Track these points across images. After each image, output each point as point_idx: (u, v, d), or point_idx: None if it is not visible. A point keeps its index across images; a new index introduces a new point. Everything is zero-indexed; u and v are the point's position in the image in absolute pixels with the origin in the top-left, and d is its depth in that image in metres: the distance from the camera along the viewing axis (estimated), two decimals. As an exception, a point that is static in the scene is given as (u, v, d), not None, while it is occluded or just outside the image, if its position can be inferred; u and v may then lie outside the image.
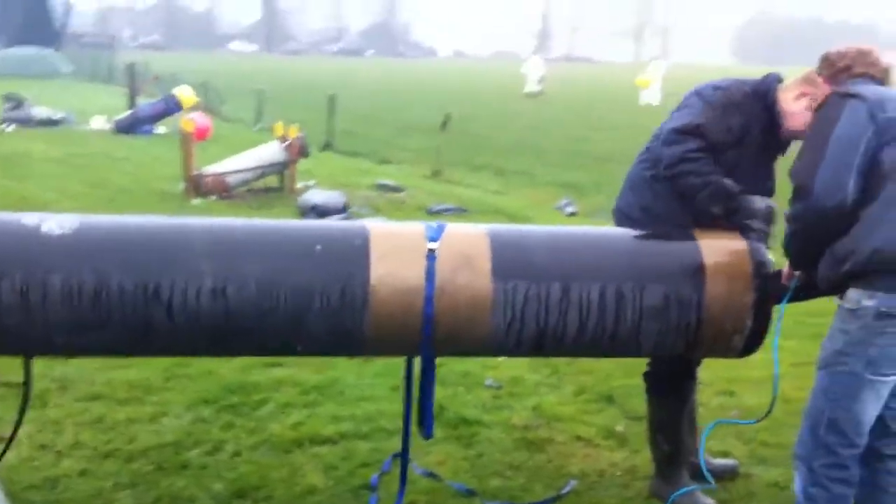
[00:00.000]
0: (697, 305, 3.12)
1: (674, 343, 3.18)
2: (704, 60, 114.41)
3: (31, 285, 2.94)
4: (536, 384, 4.94)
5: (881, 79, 3.00)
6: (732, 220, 3.22)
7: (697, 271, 3.13)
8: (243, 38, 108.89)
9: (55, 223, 3.09)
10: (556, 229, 3.63)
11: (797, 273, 3.02)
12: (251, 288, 3.03)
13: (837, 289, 2.85)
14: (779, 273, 3.13)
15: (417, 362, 3.35)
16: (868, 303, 2.70)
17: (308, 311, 3.06)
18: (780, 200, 3.24)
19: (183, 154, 10.72)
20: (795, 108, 3.27)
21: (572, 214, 10.85)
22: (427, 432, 3.44)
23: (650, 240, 3.26)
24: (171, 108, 17.13)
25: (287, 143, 10.85)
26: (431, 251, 3.12)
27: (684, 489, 3.59)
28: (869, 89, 2.81)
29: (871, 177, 2.71)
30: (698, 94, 3.45)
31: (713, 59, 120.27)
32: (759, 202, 3.22)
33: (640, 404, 4.63)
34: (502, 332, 3.13)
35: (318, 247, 3.11)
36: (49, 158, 13.66)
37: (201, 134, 12.62)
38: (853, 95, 2.78)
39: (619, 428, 4.40)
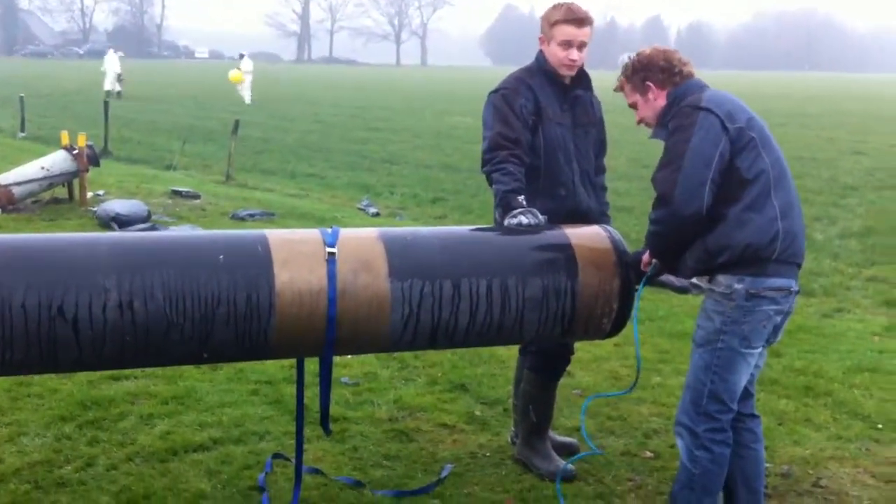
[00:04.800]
0: (572, 294, 3.47)
1: (552, 329, 3.52)
2: (462, 63, 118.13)
3: (-71, 308, 2.86)
4: (391, 378, 5.19)
5: (691, 74, 3.44)
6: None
7: (571, 262, 3.49)
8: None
9: (-52, 243, 3.01)
10: (440, 230, 3.88)
11: (654, 261, 3.43)
12: (158, 300, 3.08)
13: (701, 274, 3.30)
14: (637, 259, 3.53)
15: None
16: (738, 286, 3.15)
17: (215, 319, 3.14)
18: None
19: (-39, 165, 10.05)
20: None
21: (376, 215, 11.16)
22: (326, 429, 3.62)
23: (527, 235, 3.57)
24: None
25: (75, 152, 10.42)
26: (331, 255, 3.29)
27: (578, 456, 4.08)
28: (714, 100, 3.23)
29: (730, 181, 3.14)
30: (486, 105, 3.93)
31: (469, 62, 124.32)
32: (513, 219, 3.60)
33: (490, 390, 5.03)
34: (400, 329, 3.35)
35: (222, 256, 3.21)
36: None
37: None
38: (703, 108, 3.20)
39: (478, 413, 4.73)
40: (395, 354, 5.39)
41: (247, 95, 31.07)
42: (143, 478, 3.89)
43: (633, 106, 3.50)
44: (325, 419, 3.60)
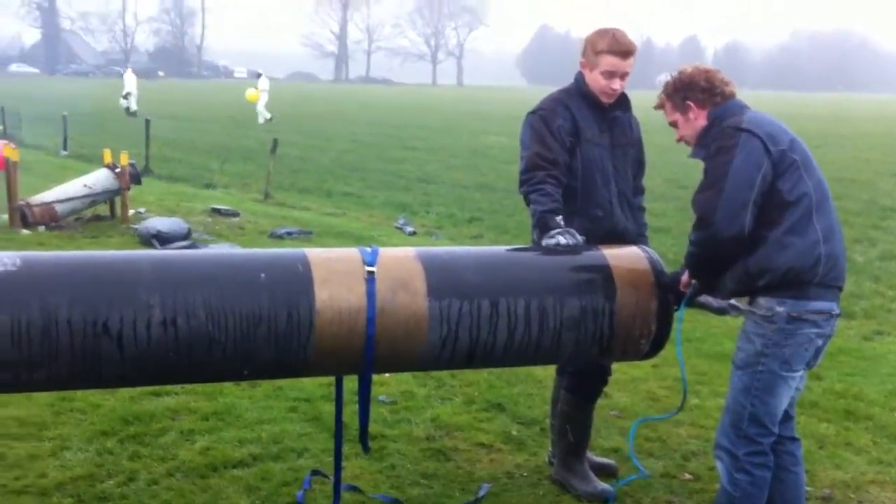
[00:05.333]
0: (610, 314, 3.48)
1: (590, 349, 3.52)
2: (498, 83, 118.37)
3: (-24, 323, 2.92)
4: (427, 397, 5.20)
5: (733, 94, 3.43)
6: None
7: (608, 283, 3.50)
8: (24, 60, 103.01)
9: (-6, 260, 3.07)
10: (478, 250, 3.90)
11: (693, 281, 3.42)
12: (200, 317, 3.12)
13: (740, 296, 3.29)
14: (675, 279, 3.52)
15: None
16: (780, 309, 3.13)
17: (256, 337, 3.18)
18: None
19: (7, 183, 10.25)
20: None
21: (412, 234, 11.21)
22: (365, 447, 3.65)
23: (565, 255, 3.58)
24: (-29, 134, 16.19)
25: (118, 170, 10.59)
26: (370, 274, 3.32)
27: (626, 480, 4.05)
28: (756, 122, 3.22)
29: (771, 204, 3.13)
30: (523, 126, 3.95)
31: (505, 82, 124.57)
32: (550, 239, 3.61)
33: (527, 410, 5.02)
34: (438, 348, 3.37)
35: (263, 275, 3.25)
36: None
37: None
38: (745, 130, 3.19)
39: (515, 432, 4.73)
40: (432, 373, 5.41)
41: (262, 113, 31.24)
42: (183, 493, 3.93)
43: (674, 124, 3.50)
44: (364, 437, 3.63)
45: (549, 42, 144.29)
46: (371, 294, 3.29)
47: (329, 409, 4.84)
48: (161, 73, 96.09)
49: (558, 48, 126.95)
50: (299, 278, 3.27)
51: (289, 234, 10.37)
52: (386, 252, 3.45)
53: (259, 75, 33.02)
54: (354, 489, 4.00)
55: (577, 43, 4.13)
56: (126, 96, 32.41)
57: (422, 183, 16.45)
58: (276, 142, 14.31)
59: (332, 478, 3.88)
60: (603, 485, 4.04)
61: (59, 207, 10.28)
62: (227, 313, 3.15)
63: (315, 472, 4.13)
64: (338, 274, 3.32)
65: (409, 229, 11.44)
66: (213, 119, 31.87)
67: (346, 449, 4.18)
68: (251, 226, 11.11)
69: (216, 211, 11.80)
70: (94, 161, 15.45)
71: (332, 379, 5.09)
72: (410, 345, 3.36)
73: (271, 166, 14.16)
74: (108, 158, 10.91)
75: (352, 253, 3.44)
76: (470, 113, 41.75)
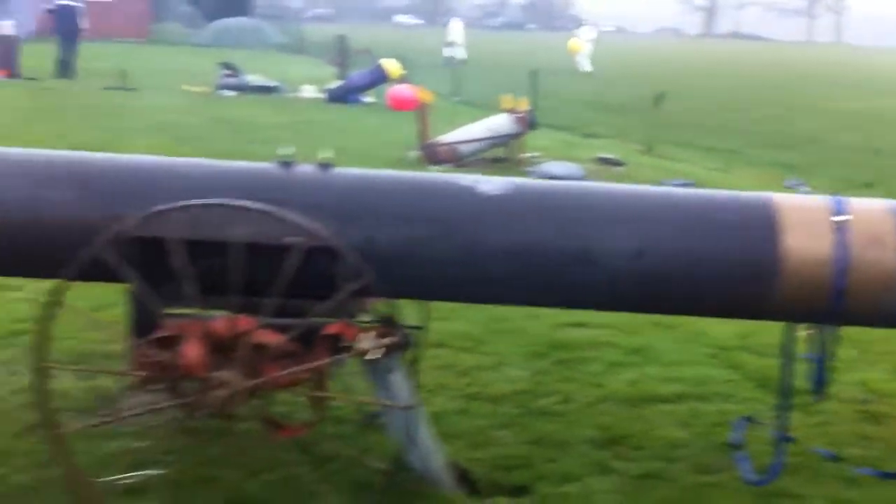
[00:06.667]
0: None
1: None
2: (879, 43, 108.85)
3: (475, 242, 3.25)
4: (851, 360, 5.01)
5: None
6: None
7: None
8: (407, 12, 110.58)
9: (489, 185, 3.41)
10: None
11: None
12: (666, 253, 3.25)
13: None
14: None
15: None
16: None
17: (718, 276, 3.26)
18: None
19: (419, 123, 11.17)
20: None
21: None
22: (819, 394, 3.66)
23: None
24: (378, 78, 17.79)
25: (520, 115, 11.15)
26: (840, 225, 3.26)
27: None
28: None
29: None
30: None
31: (887, 42, 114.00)
32: None
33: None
34: (906, 308, 3.26)
35: (728, 216, 3.31)
36: (276, 124, 14.43)
37: (410, 104, 13.00)
38: None
39: (959, 410, 4.47)
40: (854, 336, 5.20)
41: (586, 64, 30.75)
42: (619, 419, 4.16)
43: None
44: (819, 385, 3.63)
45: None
46: (841, 245, 3.24)
47: (748, 359, 4.88)
48: (532, 26, 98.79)
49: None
50: (765, 223, 3.28)
51: (678, 186, 10.36)
52: (857, 203, 3.38)
53: (582, 25, 32.59)
54: (789, 440, 3.99)
55: None
56: (450, 44, 32.68)
57: (808, 143, 15.66)
58: (662, 94, 14.29)
59: (765, 425, 3.92)
60: None
61: (462, 148, 11.02)
62: (689, 250, 3.26)
63: (747, 418, 4.17)
64: (805, 221, 3.29)
65: (804, 189, 10.98)
66: (576, 70, 32.16)
67: (774, 399, 4.17)
68: (637, 175, 11.22)
69: (602, 160, 12.05)
70: (481, 107, 16.33)
71: (746, 330, 5.12)
72: (878, 301, 3.27)
73: (654, 119, 14.17)
74: (508, 104, 11.49)
75: (819, 201, 3.40)
76: (853, 73, 38.78)
